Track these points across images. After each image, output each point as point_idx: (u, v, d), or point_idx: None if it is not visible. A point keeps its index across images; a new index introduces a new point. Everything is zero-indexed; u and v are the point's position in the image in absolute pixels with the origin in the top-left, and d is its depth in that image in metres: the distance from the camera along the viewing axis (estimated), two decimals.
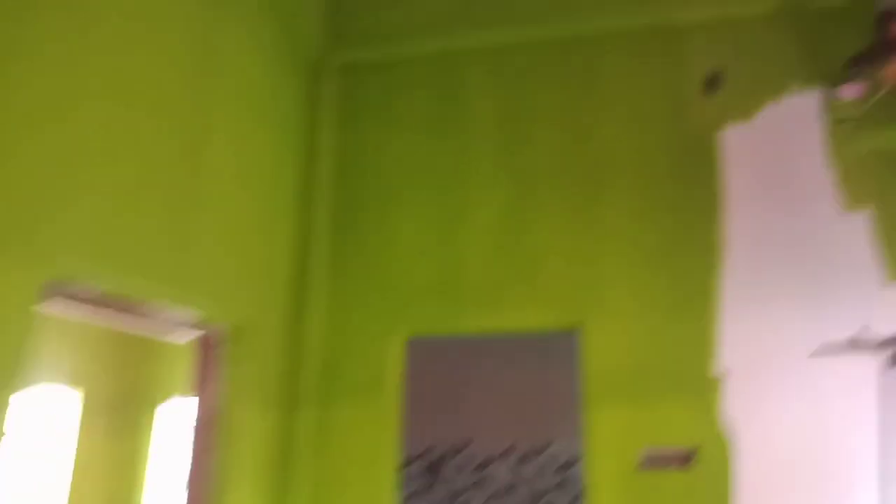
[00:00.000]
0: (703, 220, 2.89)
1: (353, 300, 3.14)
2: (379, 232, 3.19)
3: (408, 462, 3.89)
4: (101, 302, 2.24)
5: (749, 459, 2.61)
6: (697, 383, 2.72)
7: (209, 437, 2.66)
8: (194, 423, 2.70)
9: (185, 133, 2.55)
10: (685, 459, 2.64)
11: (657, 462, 2.67)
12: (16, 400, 1.85)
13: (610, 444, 2.76)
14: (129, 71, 2.30)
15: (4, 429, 1.81)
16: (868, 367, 2.53)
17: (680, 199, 2.93)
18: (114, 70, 2.24)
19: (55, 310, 2.16)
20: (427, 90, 3.32)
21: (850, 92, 2.74)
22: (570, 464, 3.77)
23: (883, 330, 2.56)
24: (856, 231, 2.73)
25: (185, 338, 2.78)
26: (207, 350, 2.75)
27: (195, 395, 2.72)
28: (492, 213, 3.11)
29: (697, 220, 2.89)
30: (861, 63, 2.70)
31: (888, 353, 2.28)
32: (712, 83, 3.01)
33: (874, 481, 2.50)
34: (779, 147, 2.89)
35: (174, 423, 4.76)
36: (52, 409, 4.53)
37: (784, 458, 2.59)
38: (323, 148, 3.29)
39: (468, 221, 3.13)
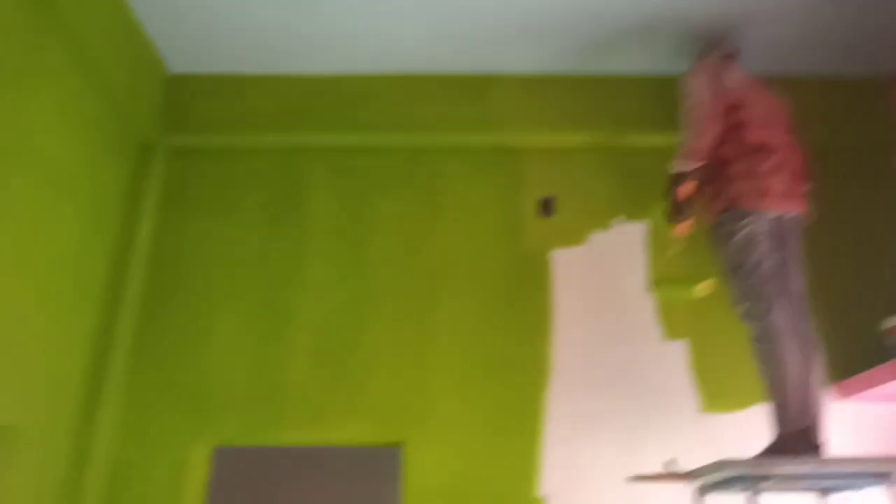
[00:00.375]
0: (533, 340, 2.89)
1: (155, 401, 2.81)
2: (193, 328, 2.92)
3: None
4: None
5: None
6: None
7: None
8: None
9: None
10: None
11: None
12: None
13: None
14: None
15: None
16: (682, 495, 2.55)
17: (511, 317, 2.93)
18: None
19: None
20: (264, 182, 3.19)
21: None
22: None
23: (695, 459, 2.60)
24: (674, 362, 2.83)
25: None
26: None
27: None
28: (320, 317, 2.96)
29: (527, 340, 2.89)
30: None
31: (697, 484, 2.30)
32: (546, 207, 3.11)
33: None
34: (606, 274, 2.99)
35: None
36: None
37: None
38: (142, 233, 3.02)
39: (294, 324, 2.95)
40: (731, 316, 2.83)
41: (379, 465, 2.80)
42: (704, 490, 2.31)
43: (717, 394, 2.77)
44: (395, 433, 2.79)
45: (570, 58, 3.16)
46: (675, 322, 2.89)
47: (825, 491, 2.15)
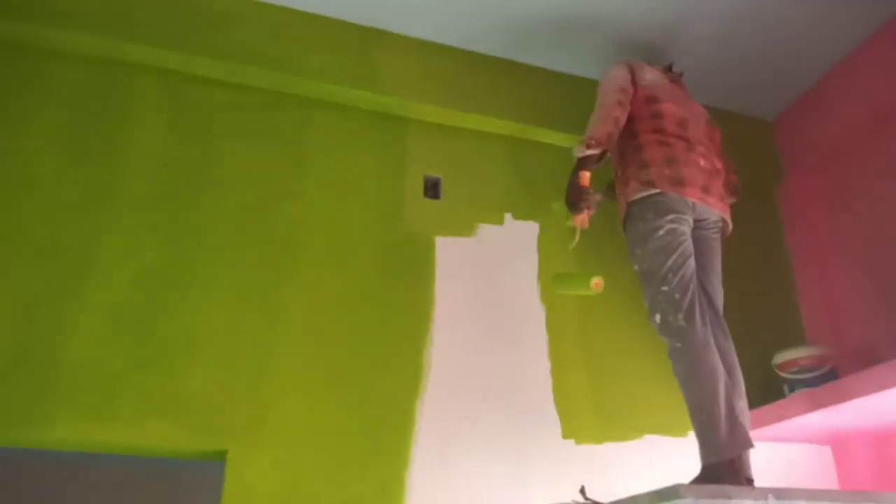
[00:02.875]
0: (407, 338, 2.39)
1: None
2: None
3: None
4: None
5: None
6: None
7: None
8: None
9: None
10: None
11: None
12: None
13: None
14: None
15: None
16: None
17: (382, 307, 2.41)
18: None
19: None
20: (71, 95, 2.38)
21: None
22: None
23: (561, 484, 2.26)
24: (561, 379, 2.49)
25: None
26: None
27: None
28: (125, 278, 2.19)
29: (400, 336, 2.38)
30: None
31: None
32: (433, 188, 2.67)
33: None
34: (495, 271, 2.60)
35: None
36: None
37: None
38: None
39: (85, 284, 2.15)
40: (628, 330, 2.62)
41: (190, 480, 2.07)
42: None
43: (605, 421, 2.46)
44: (216, 439, 2.10)
45: (481, 36, 2.82)
46: (564, 335, 2.56)
47: None
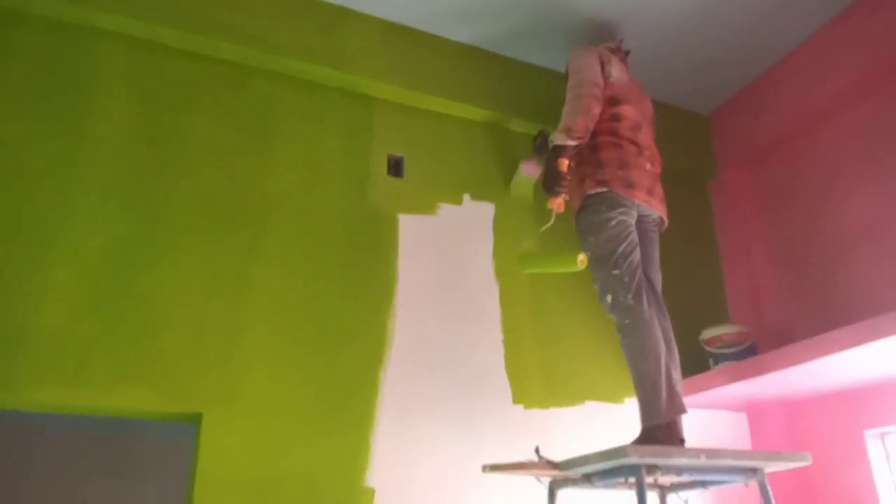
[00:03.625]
0: (371, 310, 2.52)
1: None
2: None
3: None
4: None
5: None
6: (341, 502, 2.22)
7: None
8: None
9: None
10: None
11: None
12: None
13: None
14: None
15: None
16: (527, 490, 2.36)
17: (347, 280, 2.53)
18: None
19: None
20: (35, 60, 2.37)
21: (528, 170, 2.80)
22: None
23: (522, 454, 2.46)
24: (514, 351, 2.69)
25: None
26: None
27: None
28: (95, 245, 2.24)
29: (364, 308, 2.52)
30: (541, 151, 2.80)
31: (556, 476, 2.11)
32: (396, 166, 2.79)
33: None
34: (454, 250, 2.75)
35: None
36: None
37: None
38: None
39: (56, 250, 2.20)
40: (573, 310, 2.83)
41: (163, 441, 2.16)
42: (558, 484, 2.17)
43: (551, 389, 2.68)
44: (190, 403, 2.20)
45: (447, 20, 2.90)
46: (514, 308, 2.75)
47: (703, 484, 2.14)
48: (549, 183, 2.39)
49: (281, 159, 2.60)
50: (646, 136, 2.56)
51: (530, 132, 3.02)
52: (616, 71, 2.58)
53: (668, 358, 2.24)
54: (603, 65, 2.55)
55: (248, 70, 2.67)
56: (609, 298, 2.29)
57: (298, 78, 2.74)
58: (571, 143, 2.36)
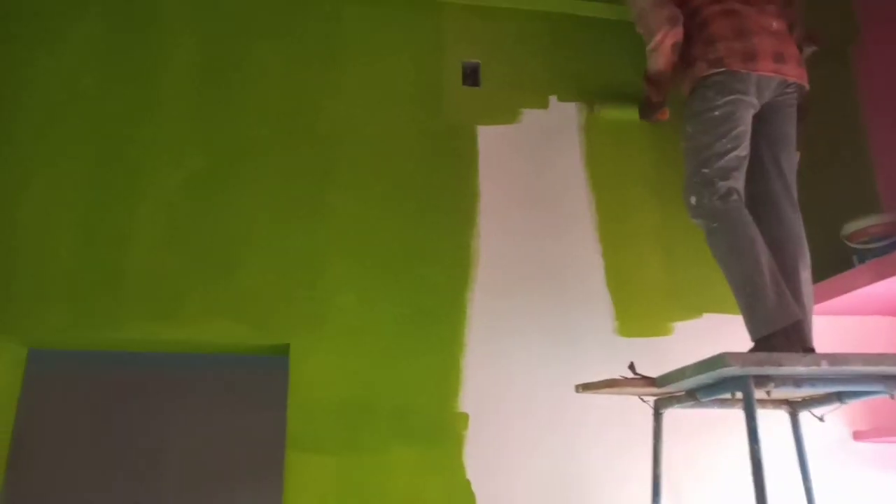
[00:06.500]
0: (453, 229, 2.38)
1: None
2: None
3: None
4: None
5: None
6: (433, 426, 2.15)
7: None
8: None
9: None
10: None
11: None
12: None
13: (317, 498, 2.04)
14: None
15: None
16: (630, 410, 2.18)
17: (427, 200, 2.40)
18: None
19: None
20: (101, 7, 2.40)
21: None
22: None
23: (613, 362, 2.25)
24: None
25: None
26: None
27: None
28: (175, 185, 2.27)
29: (445, 227, 2.38)
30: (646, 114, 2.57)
31: (663, 392, 1.91)
32: (472, 74, 2.58)
33: None
34: (540, 157, 2.53)
35: None
36: None
37: None
38: None
39: (139, 192, 2.24)
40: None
41: (255, 373, 2.20)
42: (662, 404, 1.96)
43: (660, 303, 2.42)
44: (278, 334, 2.20)
45: None
46: (614, 215, 2.50)
47: (839, 397, 1.85)
48: (644, 113, 2.49)
49: (350, 79, 2.49)
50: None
51: (623, 17, 2.67)
52: None
53: (798, 256, 1.93)
54: None
55: None
56: (693, 200, 1.98)
57: None
58: (656, 69, 2.20)
